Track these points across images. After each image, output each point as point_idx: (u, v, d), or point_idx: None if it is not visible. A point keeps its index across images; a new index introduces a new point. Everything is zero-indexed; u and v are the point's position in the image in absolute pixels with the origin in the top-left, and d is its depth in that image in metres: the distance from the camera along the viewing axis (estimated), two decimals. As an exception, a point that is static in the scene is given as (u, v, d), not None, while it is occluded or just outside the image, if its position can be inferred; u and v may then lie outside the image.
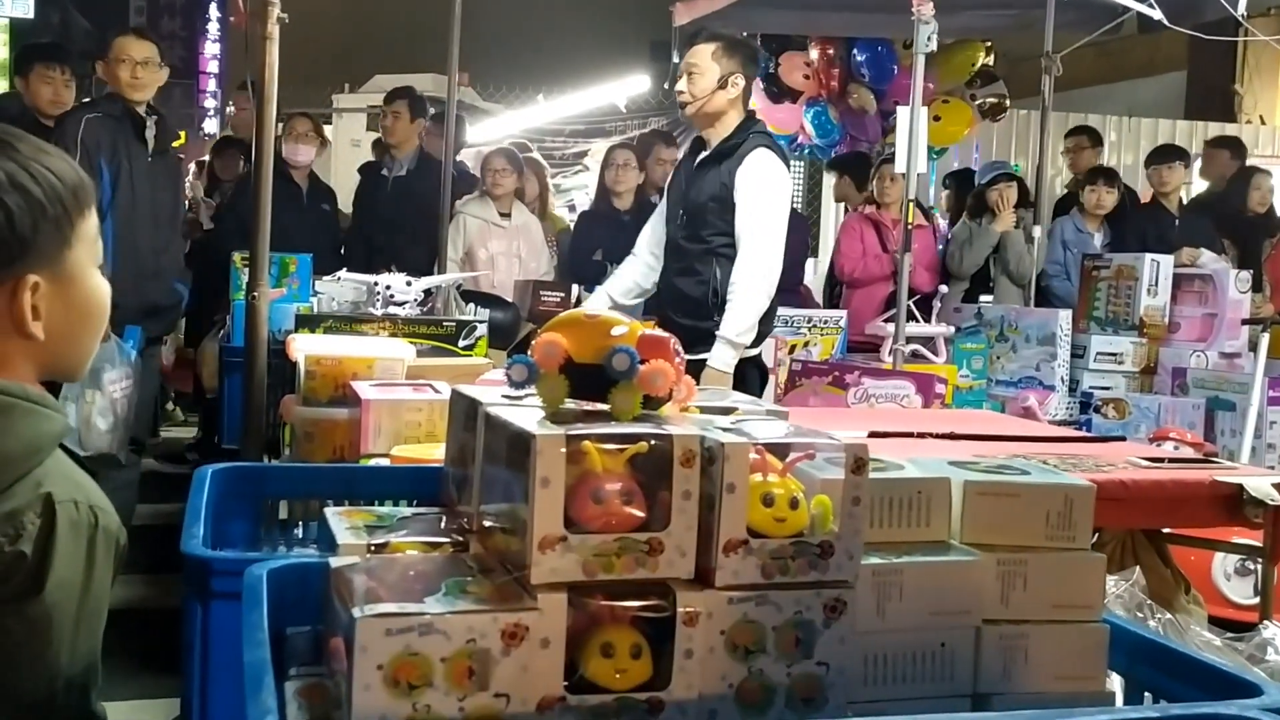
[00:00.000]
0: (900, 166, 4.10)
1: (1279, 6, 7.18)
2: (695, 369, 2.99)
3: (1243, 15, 4.69)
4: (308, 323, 2.81)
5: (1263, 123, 10.19)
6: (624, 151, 5.31)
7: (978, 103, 6.19)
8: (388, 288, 3.16)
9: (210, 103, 14.99)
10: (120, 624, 1.06)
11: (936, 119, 5.84)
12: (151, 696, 3.03)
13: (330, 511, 1.17)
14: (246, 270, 3.13)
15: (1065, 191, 6.38)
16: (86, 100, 4.31)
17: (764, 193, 3.21)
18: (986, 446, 2.05)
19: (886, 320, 4.42)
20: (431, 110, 5.63)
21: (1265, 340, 4.12)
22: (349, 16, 12.53)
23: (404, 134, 5.32)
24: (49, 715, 1.01)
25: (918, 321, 4.45)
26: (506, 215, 5.06)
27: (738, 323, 3.17)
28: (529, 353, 1.02)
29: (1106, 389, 4.39)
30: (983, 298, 5.30)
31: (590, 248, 5.09)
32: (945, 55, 5.78)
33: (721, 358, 3.15)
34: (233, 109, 6.13)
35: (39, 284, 1.07)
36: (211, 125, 13.65)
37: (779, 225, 3.24)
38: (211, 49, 15.92)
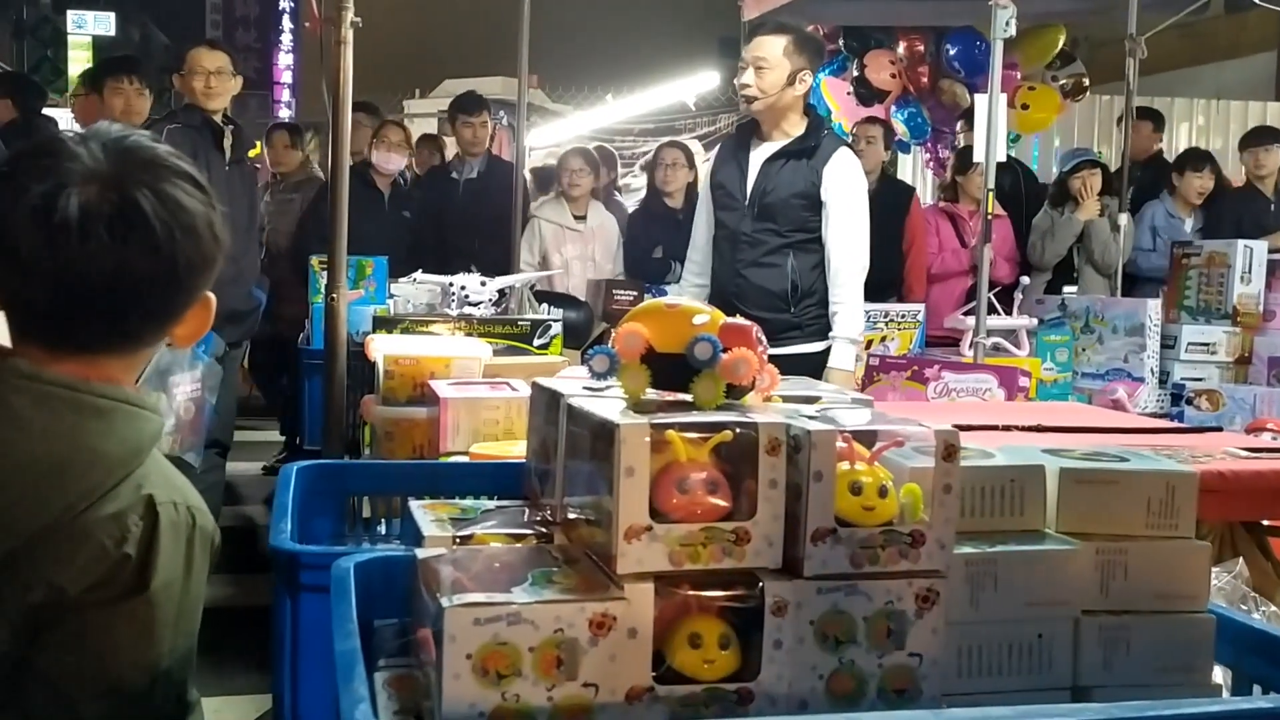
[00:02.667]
0: (978, 156, 4.02)
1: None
2: (778, 363, 3.00)
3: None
4: (385, 324, 2.85)
5: (1357, 103, 9.80)
6: (673, 150, 5.31)
7: (1059, 84, 6.04)
8: (463, 288, 3.19)
9: (285, 112, 15.33)
10: (206, 623, 1.09)
11: (1025, 107, 5.72)
12: (239, 693, 3.10)
13: (415, 505, 1.18)
14: (324, 273, 3.18)
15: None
16: (167, 113, 4.43)
17: (856, 192, 3.32)
18: (1076, 439, 1.99)
19: (966, 313, 4.34)
20: (501, 113, 5.71)
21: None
22: (418, 22, 12.71)
23: (485, 140, 5.42)
24: (148, 706, 1.03)
25: (999, 314, 4.36)
26: (581, 218, 5.08)
27: (855, 321, 3.32)
28: (610, 343, 1.02)
29: (1199, 380, 4.24)
30: (1066, 288, 5.17)
31: (648, 246, 5.11)
32: (1027, 40, 5.65)
33: (846, 357, 3.27)
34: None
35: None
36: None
37: (866, 221, 3.36)
38: (285, 59, 16.28)
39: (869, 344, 4.25)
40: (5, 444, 0.99)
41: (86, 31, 10.68)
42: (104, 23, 10.28)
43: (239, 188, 4.06)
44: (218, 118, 3.96)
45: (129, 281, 1.02)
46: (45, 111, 5.96)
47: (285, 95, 15.86)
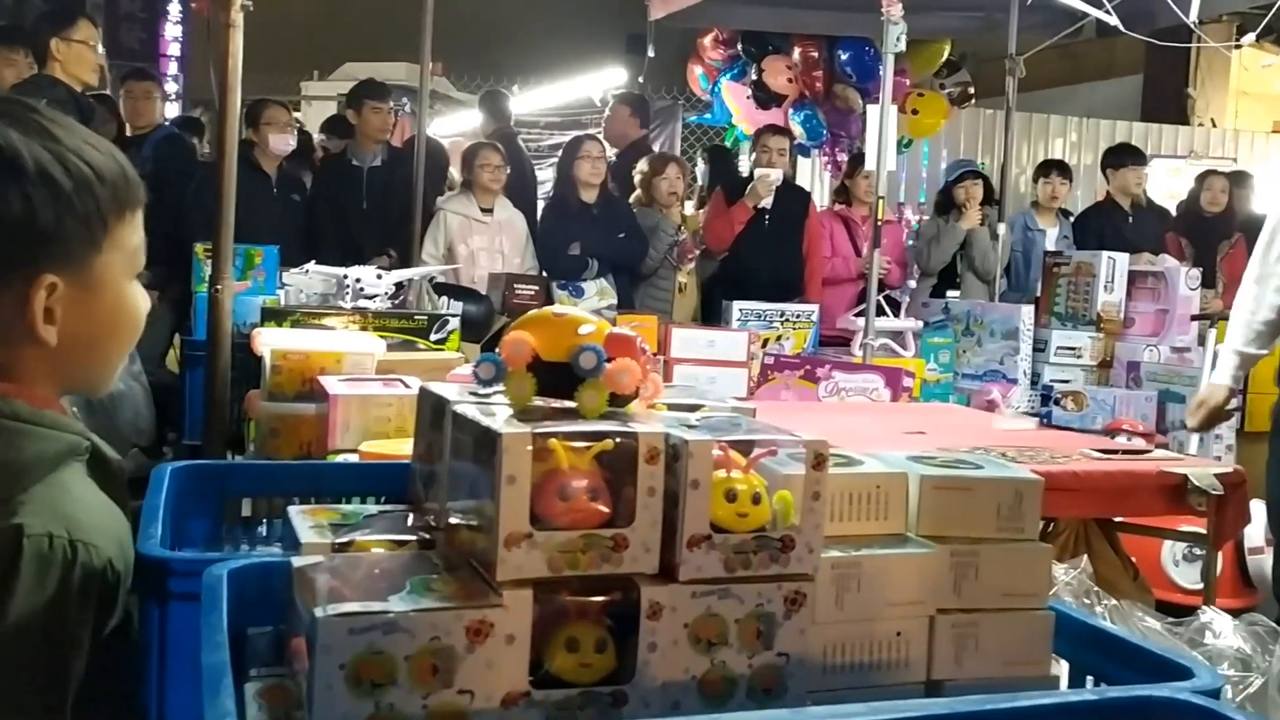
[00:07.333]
0: (870, 164, 4.14)
1: (1230, 14, 7.38)
2: None
3: (1195, 22, 4.78)
4: (275, 316, 2.79)
5: (1214, 125, 10.43)
6: (595, 143, 5.30)
7: (946, 91, 6.29)
8: (358, 281, 3.16)
9: (171, 86, 14.75)
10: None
11: (914, 112, 5.93)
12: None
13: (293, 510, 1.16)
14: (209, 262, 3.08)
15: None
16: (23, 81, 4.14)
17: None
18: (952, 442, 2.09)
19: (857, 315, 4.47)
20: (405, 99, 5.64)
21: (1213, 335, 4.22)
22: (318, 2, 12.40)
23: (390, 126, 5.35)
24: None
25: (888, 316, 4.50)
26: (489, 211, 5.05)
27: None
28: (496, 351, 1.03)
29: (1066, 382, 4.46)
30: (949, 293, 5.36)
31: (564, 242, 5.07)
32: (916, 49, 5.85)
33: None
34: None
35: (57, 285, 1.01)
36: (172, 110, 13.48)
37: None
38: (173, 31, 15.61)
39: (765, 342, 4.35)
40: None
41: (-42, -7, 10.04)
42: (-24, -15, 9.68)
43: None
44: (80, 89, 3.79)
45: None
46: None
47: (172, 69, 15.26)
